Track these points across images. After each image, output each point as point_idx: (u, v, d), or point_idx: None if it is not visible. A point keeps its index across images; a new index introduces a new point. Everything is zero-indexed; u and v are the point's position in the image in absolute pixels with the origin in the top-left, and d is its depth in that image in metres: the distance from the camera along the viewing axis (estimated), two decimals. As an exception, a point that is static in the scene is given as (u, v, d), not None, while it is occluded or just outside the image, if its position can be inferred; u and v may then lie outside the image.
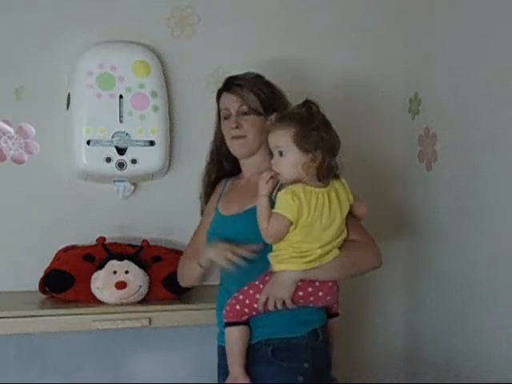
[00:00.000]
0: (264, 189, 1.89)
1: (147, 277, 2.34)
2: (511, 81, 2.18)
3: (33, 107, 2.51)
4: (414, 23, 2.72)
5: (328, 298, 1.96)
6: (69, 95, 2.45)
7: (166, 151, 2.50)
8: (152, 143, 2.46)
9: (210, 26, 2.61)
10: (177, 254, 2.49)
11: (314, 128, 1.89)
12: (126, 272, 2.32)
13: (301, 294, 1.92)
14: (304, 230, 1.88)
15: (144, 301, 2.33)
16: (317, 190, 1.90)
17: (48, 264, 2.38)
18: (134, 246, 2.45)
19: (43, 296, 2.36)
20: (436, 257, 2.61)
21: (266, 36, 2.65)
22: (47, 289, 2.35)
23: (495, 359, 2.27)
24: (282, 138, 1.91)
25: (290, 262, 1.89)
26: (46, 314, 2.25)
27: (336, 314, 2.09)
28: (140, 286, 2.31)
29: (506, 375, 2.19)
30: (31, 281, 2.34)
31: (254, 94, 2.11)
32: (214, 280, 2.39)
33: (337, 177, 1.96)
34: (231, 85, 2.16)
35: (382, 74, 2.76)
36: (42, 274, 2.35)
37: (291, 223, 1.87)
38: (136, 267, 2.33)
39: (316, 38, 2.69)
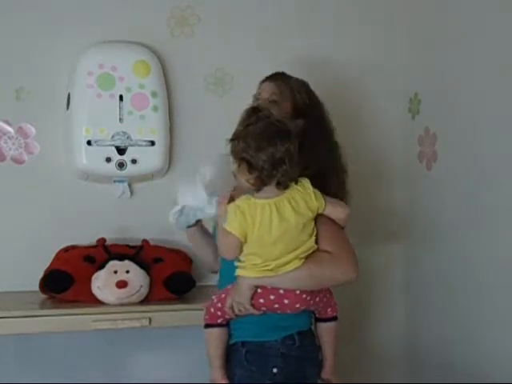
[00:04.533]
0: (220, 210, 1.89)
1: (148, 278, 2.34)
2: (511, 80, 2.18)
3: (33, 107, 2.51)
4: (414, 23, 2.72)
5: (297, 305, 1.91)
6: (69, 95, 2.45)
7: (166, 151, 2.51)
8: (152, 143, 2.46)
9: (210, 25, 2.61)
10: (177, 254, 2.49)
11: (236, 138, 1.85)
12: (127, 272, 2.32)
13: (261, 301, 1.90)
14: (254, 244, 1.86)
15: (144, 301, 2.33)
16: (262, 201, 1.85)
17: (48, 264, 2.38)
18: (134, 247, 2.45)
19: (43, 296, 2.36)
20: (436, 257, 2.61)
21: (265, 36, 2.65)
22: (47, 289, 2.35)
23: (495, 359, 2.27)
24: None
25: (246, 268, 1.90)
26: (46, 314, 2.25)
27: (331, 319, 2.04)
28: (141, 286, 2.31)
29: (506, 375, 2.19)
30: (31, 281, 2.34)
31: (291, 89, 2.09)
32: (214, 280, 2.39)
33: (284, 189, 1.86)
34: (277, 75, 2.14)
35: (382, 73, 2.76)
36: (42, 274, 2.35)
37: (237, 238, 1.85)
38: (137, 267, 2.33)
39: (316, 38, 2.69)
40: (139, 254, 2.41)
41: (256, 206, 1.84)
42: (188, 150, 2.59)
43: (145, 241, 2.48)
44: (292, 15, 2.68)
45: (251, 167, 1.81)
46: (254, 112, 1.89)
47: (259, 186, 1.84)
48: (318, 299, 1.96)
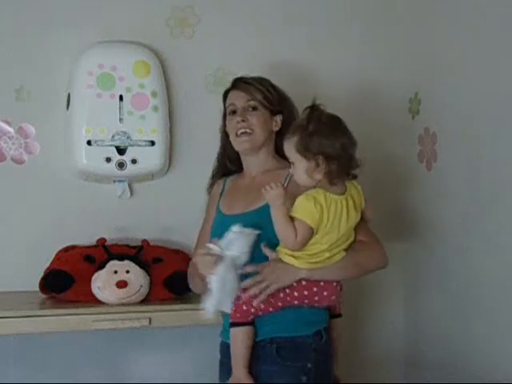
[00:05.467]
0: (279, 192, 1.86)
1: (148, 278, 2.34)
2: (511, 80, 2.18)
3: (33, 107, 2.51)
4: (414, 23, 2.72)
5: (333, 297, 1.97)
6: (69, 95, 2.45)
7: (166, 151, 2.50)
8: (152, 143, 2.46)
9: (210, 26, 2.61)
10: (177, 254, 2.49)
11: (310, 134, 1.86)
12: (127, 272, 2.32)
13: (306, 293, 1.92)
14: (319, 237, 1.89)
15: (144, 301, 2.33)
16: (336, 197, 1.89)
17: (48, 264, 2.38)
18: (134, 247, 2.45)
19: (43, 296, 2.36)
20: (436, 257, 2.61)
21: (266, 36, 2.65)
22: (47, 289, 2.35)
23: (495, 359, 2.27)
24: (288, 149, 1.91)
25: (297, 258, 1.90)
26: (46, 314, 2.24)
27: (338, 315, 2.09)
28: (141, 286, 2.31)
29: (506, 375, 2.19)
30: (31, 281, 2.34)
31: (261, 92, 2.13)
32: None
33: (353, 178, 1.94)
34: (239, 83, 2.17)
35: (382, 73, 2.75)
36: (42, 274, 2.35)
37: (312, 229, 1.86)
38: (137, 267, 2.33)
39: (316, 38, 2.69)
40: (139, 253, 2.41)
41: (331, 200, 1.88)
42: (188, 150, 2.59)
43: (145, 241, 2.48)
44: (292, 16, 2.68)
45: (329, 158, 1.85)
46: (312, 109, 1.92)
47: (335, 177, 1.86)
48: (341, 293, 2.02)
